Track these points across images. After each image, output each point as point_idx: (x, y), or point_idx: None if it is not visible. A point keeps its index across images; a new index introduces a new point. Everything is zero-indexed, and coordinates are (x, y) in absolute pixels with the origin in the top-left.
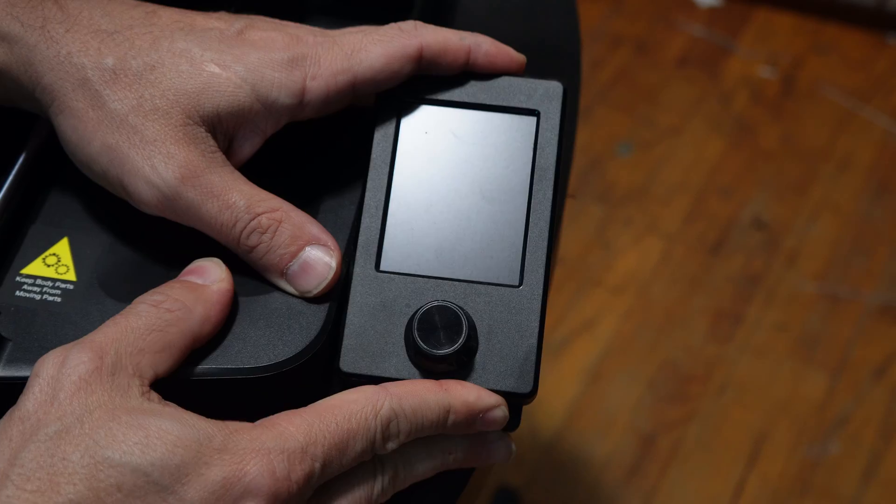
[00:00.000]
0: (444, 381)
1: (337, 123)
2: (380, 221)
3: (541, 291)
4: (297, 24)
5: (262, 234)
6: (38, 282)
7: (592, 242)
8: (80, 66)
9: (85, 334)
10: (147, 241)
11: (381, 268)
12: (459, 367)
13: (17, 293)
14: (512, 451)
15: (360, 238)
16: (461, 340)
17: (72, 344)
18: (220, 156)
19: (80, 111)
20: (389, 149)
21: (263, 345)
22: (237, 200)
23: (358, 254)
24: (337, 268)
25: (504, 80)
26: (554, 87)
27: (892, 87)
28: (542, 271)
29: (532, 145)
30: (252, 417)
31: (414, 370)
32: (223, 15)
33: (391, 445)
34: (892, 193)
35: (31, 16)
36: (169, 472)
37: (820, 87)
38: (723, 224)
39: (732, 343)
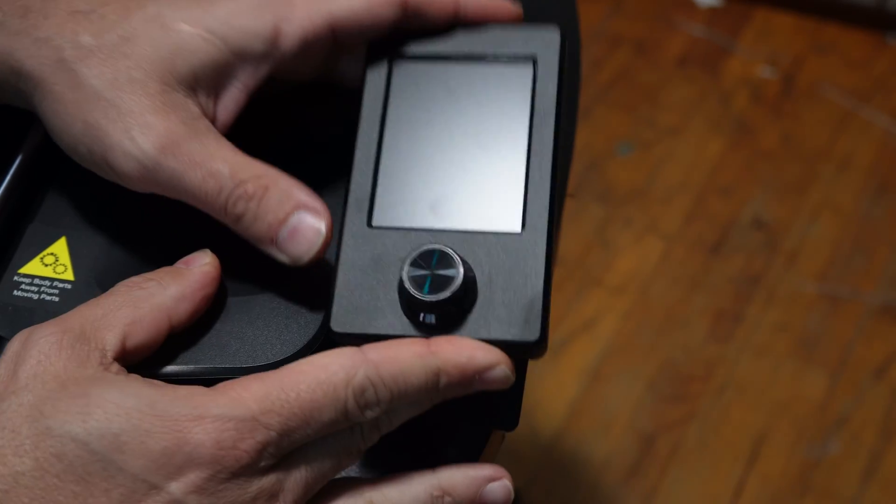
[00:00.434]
0: (433, 340)
1: (328, 102)
2: (371, 176)
3: (545, 235)
4: None
5: (249, 201)
6: (36, 281)
7: (592, 242)
8: (56, 47)
9: None
10: (145, 240)
11: (374, 223)
12: (456, 317)
13: (15, 293)
14: (510, 494)
15: (350, 194)
16: (456, 285)
17: (37, 325)
18: (203, 122)
19: (60, 93)
20: (380, 104)
21: (262, 344)
22: (221, 168)
23: (348, 210)
24: (327, 232)
25: (497, 30)
26: (550, 32)
27: (892, 87)
28: (545, 214)
29: (530, 92)
30: None
31: (409, 325)
32: None
33: (370, 414)
34: (892, 193)
35: (12, 6)
36: (108, 440)
37: (820, 87)
38: (723, 224)
39: (732, 343)
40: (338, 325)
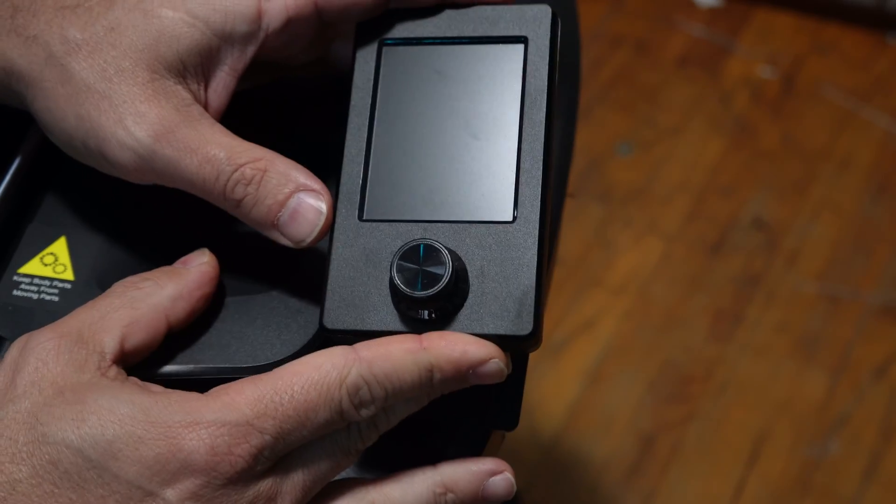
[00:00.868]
0: (426, 336)
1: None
2: (362, 168)
3: (537, 224)
4: None
5: (247, 185)
6: (36, 281)
7: (592, 242)
8: (45, 44)
9: None
10: (145, 240)
11: (365, 216)
12: (449, 312)
13: (15, 292)
14: (513, 486)
15: (341, 187)
16: (445, 280)
17: (38, 329)
18: (195, 108)
19: (51, 89)
20: (369, 93)
21: (261, 344)
22: (217, 153)
23: (339, 204)
24: (328, 212)
25: (486, 10)
26: (541, 11)
27: (893, 87)
28: (537, 202)
29: (521, 73)
30: None
31: (401, 321)
32: None
33: (365, 413)
34: (892, 193)
35: (1, 7)
36: (102, 448)
37: (820, 87)
38: (723, 224)
39: (732, 343)
40: (330, 321)
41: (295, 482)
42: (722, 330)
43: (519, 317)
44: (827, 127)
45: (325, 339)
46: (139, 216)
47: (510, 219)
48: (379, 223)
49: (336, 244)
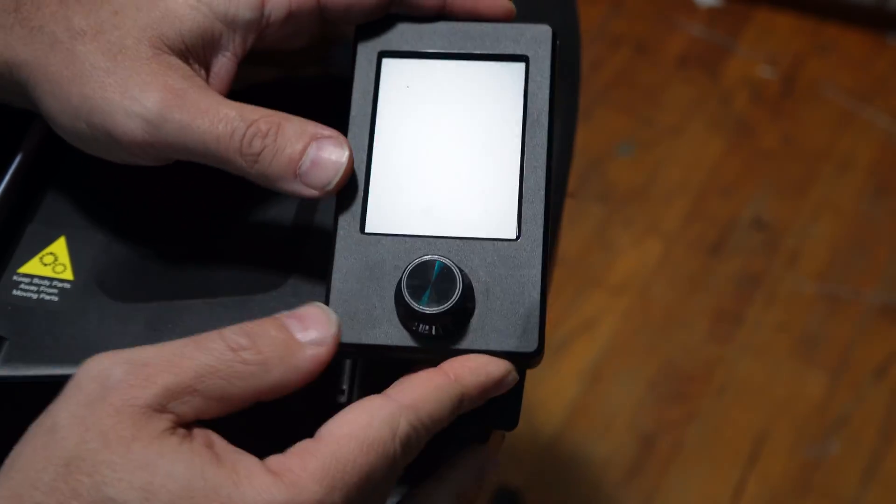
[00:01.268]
0: (449, 366)
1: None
2: (362, 181)
3: (541, 242)
4: None
5: (264, 137)
6: (35, 281)
7: (592, 242)
8: (50, 33)
9: (82, 334)
10: (144, 240)
11: (366, 230)
12: (455, 328)
13: (14, 292)
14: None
15: (341, 199)
16: (455, 296)
17: (122, 358)
18: (200, 79)
19: (56, 74)
20: (369, 105)
21: None
22: (228, 112)
23: (340, 216)
24: (349, 158)
25: (488, 27)
26: (542, 31)
27: (893, 87)
28: (540, 221)
29: (522, 92)
30: (252, 415)
31: (406, 335)
32: None
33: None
34: (892, 193)
35: (4, 1)
36: None
37: (820, 87)
38: (723, 224)
39: (732, 343)
40: None
41: None
42: (722, 330)
43: (524, 334)
44: (827, 127)
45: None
46: (139, 216)
47: (514, 236)
48: (381, 237)
49: (338, 257)
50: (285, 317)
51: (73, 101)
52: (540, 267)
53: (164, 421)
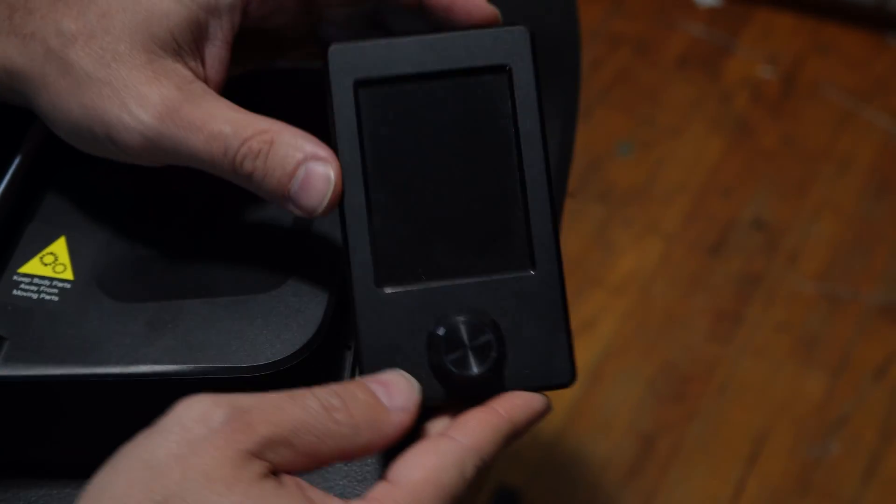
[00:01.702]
0: (499, 404)
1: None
2: (367, 231)
3: (557, 271)
4: None
5: (255, 159)
6: (36, 281)
7: (592, 242)
8: (42, 40)
9: (82, 334)
10: (145, 239)
11: (384, 287)
12: (493, 377)
13: (14, 292)
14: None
15: (351, 256)
16: (494, 353)
17: (224, 402)
18: (197, 85)
19: (52, 83)
20: (356, 145)
21: (261, 343)
22: (223, 128)
23: (354, 275)
24: (336, 179)
25: (460, 38)
26: (518, 34)
27: (893, 87)
28: (553, 249)
29: (510, 108)
30: None
31: (441, 389)
32: None
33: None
34: (892, 193)
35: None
36: None
37: (820, 87)
38: (723, 224)
39: (732, 343)
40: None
41: None
42: (722, 330)
43: (558, 367)
44: (827, 127)
45: None
46: (139, 216)
47: (530, 270)
48: (398, 290)
49: (361, 317)
50: (370, 381)
51: (74, 111)
52: (560, 297)
53: (261, 466)
